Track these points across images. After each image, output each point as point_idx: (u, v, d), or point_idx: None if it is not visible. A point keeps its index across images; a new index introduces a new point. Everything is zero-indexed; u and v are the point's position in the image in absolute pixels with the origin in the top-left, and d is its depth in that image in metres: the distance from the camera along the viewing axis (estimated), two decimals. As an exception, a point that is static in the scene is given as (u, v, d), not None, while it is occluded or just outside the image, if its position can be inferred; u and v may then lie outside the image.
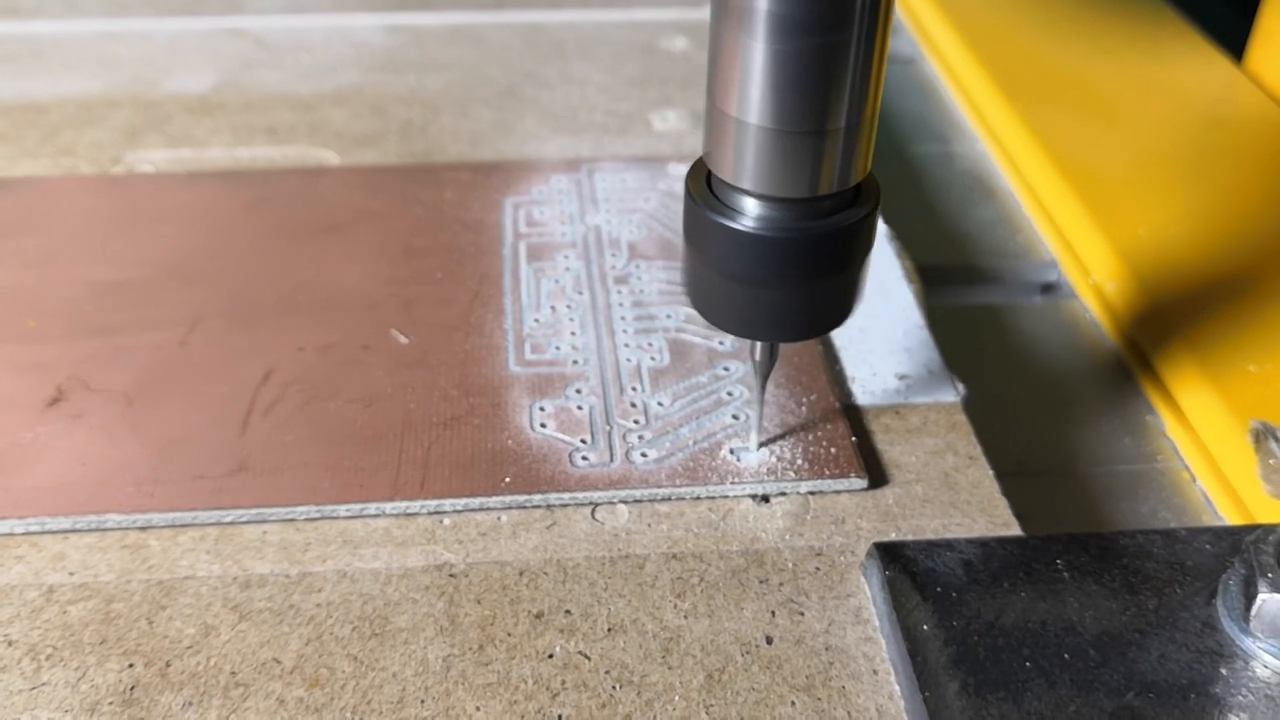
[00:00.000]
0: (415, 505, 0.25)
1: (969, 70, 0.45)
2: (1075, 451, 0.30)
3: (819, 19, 0.19)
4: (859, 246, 0.22)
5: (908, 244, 0.34)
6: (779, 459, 0.26)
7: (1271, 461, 0.27)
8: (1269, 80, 0.43)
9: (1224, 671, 0.21)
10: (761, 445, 0.26)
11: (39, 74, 0.42)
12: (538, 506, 0.25)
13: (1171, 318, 0.31)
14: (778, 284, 0.22)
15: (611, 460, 0.26)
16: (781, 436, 0.26)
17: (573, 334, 0.29)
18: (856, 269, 0.23)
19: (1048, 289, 0.36)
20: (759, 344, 0.24)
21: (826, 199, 0.21)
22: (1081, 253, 0.35)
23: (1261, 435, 0.27)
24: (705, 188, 0.22)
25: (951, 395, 0.28)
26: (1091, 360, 0.33)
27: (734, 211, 0.22)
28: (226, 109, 0.40)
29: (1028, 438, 0.30)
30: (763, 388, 0.25)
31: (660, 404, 0.27)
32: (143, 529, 0.24)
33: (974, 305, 0.35)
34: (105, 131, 0.39)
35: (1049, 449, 0.30)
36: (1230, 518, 0.28)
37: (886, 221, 0.34)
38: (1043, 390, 0.32)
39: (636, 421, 0.27)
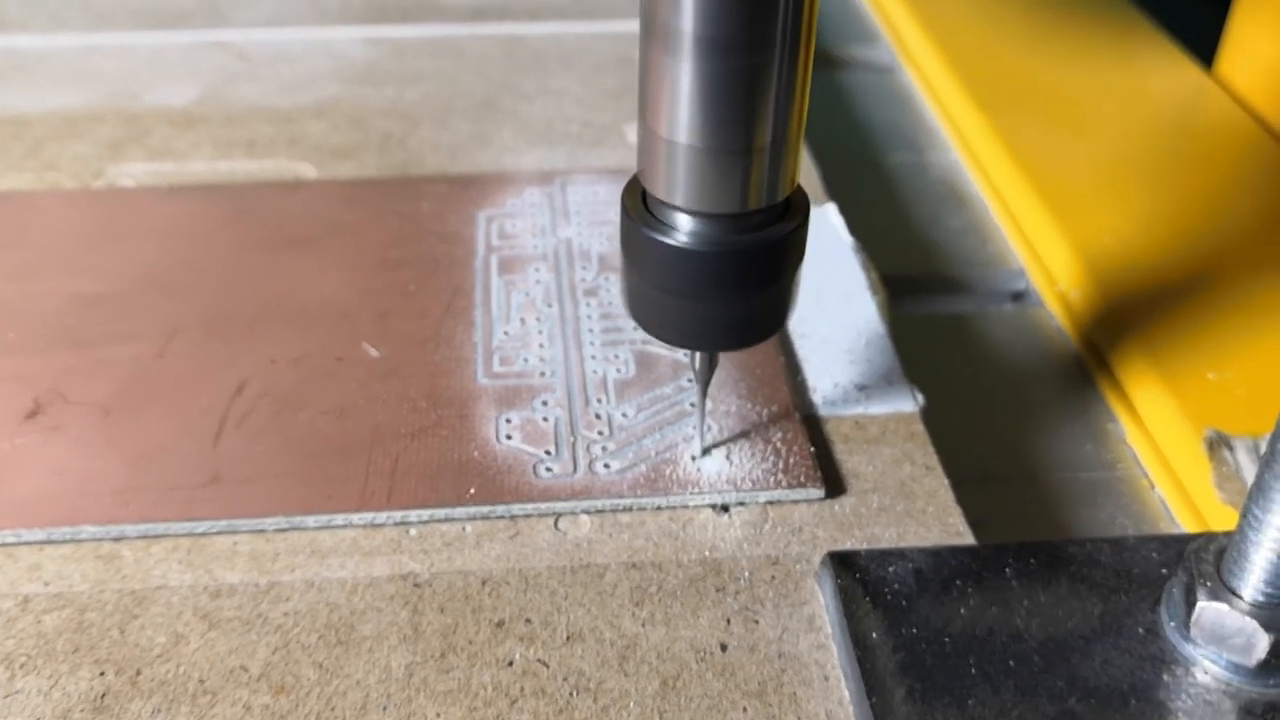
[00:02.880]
0: (382, 516, 0.25)
1: (943, 79, 0.46)
2: (1037, 458, 0.30)
3: (741, 40, 0.20)
4: (790, 258, 0.23)
5: (879, 253, 0.35)
6: (739, 469, 0.26)
7: (1225, 469, 0.27)
8: (1238, 86, 0.44)
9: (1165, 677, 0.22)
10: (706, 452, 0.26)
11: (22, 88, 0.43)
12: (501, 517, 0.25)
13: (1133, 325, 0.32)
14: (711, 296, 0.23)
15: (575, 471, 0.26)
16: (742, 447, 0.27)
17: (541, 346, 0.30)
18: (788, 280, 0.23)
19: (1017, 297, 0.37)
20: (698, 354, 0.25)
21: (756, 214, 0.22)
22: (1047, 260, 0.36)
23: (1215, 444, 0.28)
24: (640, 204, 0.23)
25: (910, 405, 0.29)
26: (1056, 368, 0.33)
27: (667, 227, 0.22)
28: (208, 122, 0.41)
29: (990, 445, 0.30)
30: (704, 395, 0.26)
31: (625, 415, 0.28)
32: (116, 540, 0.25)
33: (944, 314, 0.36)
34: (88, 145, 0.39)
35: (1011, 456, 0.30)
36: (1187, 525, 0.28)
37: (857, 231, 0.35)
38: (1008, 398, 0.32)
39: (601, 433, 0.27)
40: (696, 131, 0.21)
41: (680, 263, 0.22)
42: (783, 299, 0.24)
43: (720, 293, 0.23)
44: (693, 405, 0.28)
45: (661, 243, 0.22)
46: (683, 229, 0.22)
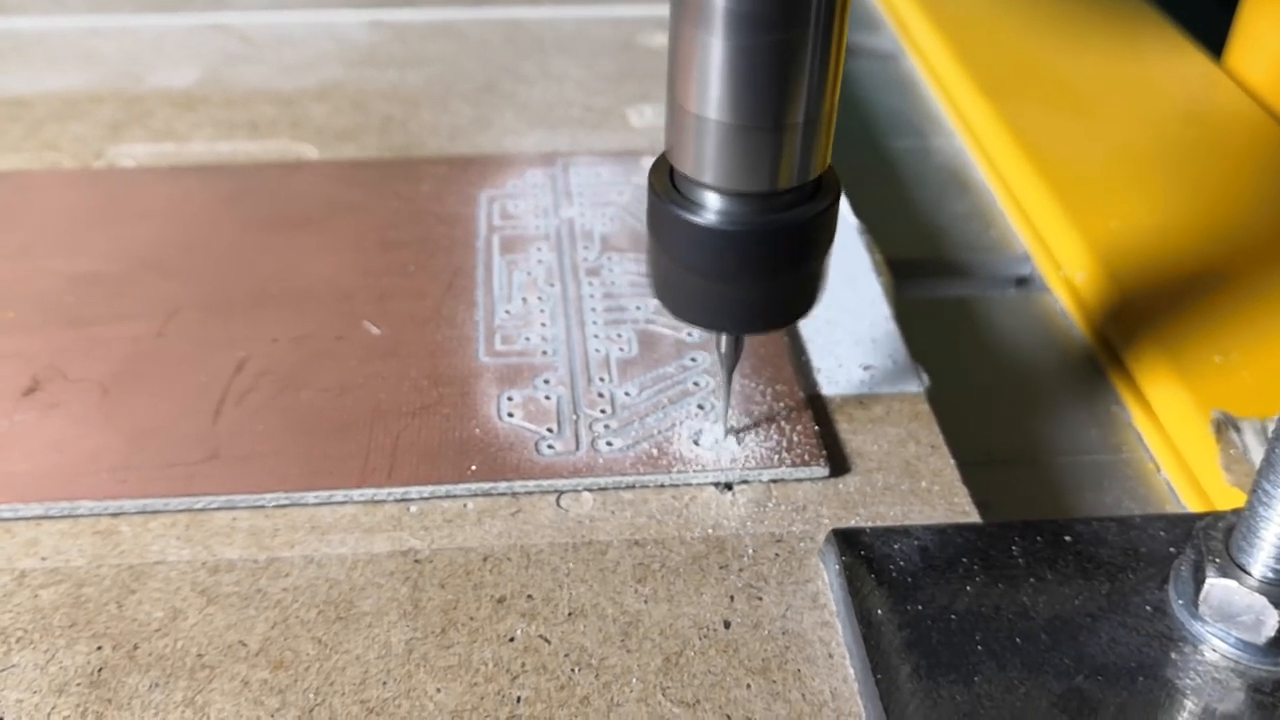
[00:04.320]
0: (382, 493, 0.25)
1: (948, 66, 0.45)
2: (1042, 442, 0.30)
3: (776, 15, 0.20)
4: (820, 239, 0.23)
5: (883, 238, 0.35)
6: (743, 447, 0.26)
7: (1233, 451, 0.27)
8: (1248, 78, 0.43)
9: (1173, 655, 0.21)
10: (729, 434, 0.26)
11: (23, 69, 0.43)
12: (503, 494, 0.25)
13: (1140, 310, 0.32)
14: (739, 277, 0.22)
15: (577, 449, 0.26)
16: (746, 425, 0.27)
17: (543, 325, 0.30)
18: (818, 261, 0.23)
19: (1021, 282, 0.37)
20: (724, 336, 0.25)
21: (787, 193, 0.22)
22: (1053, 245, 0.36)
23: (1223, 426, 0.28)
24: (668, 182, 0.23)
25: (916, 386, 0.28)
26: (1061, 352, 0.33)
27: (696, 206, 0.22)
28: (209, 104, 0.40)
29: (995, 428, 0.30)
30: (729, 379, 0.26)
31: (627, 394, 0.28)
32: (115, 515, 0.25)
33: (948, 298, 0.35)
34: (88, 126, 0.39)
35: (1016, 439, 0.30)
36: (1193, 507, 0.28)
37: (862, 215, 0.35)
38: (1013, 381, 0.32)
39: (603, 411, 0.27)
40: (727, 108, 0.20)
41: (709, 242, 0.22)
42: (812, 281, 0.23)
43: (749, 273, 0.22)
44: (696, 384, 0.28)
45: (690, 222, 0.22)
46: (712, 208, 0.22)
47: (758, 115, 0.21)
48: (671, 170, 0.22)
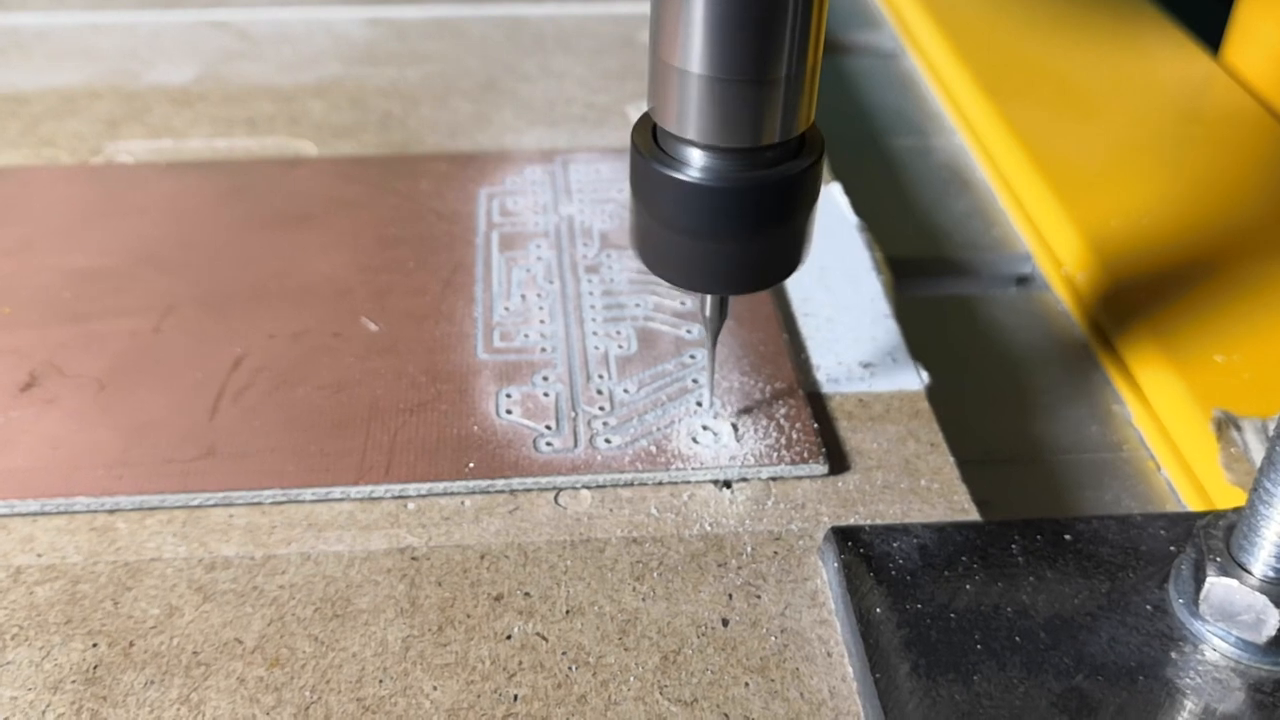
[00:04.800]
0: (380, 489, 0.25)
1: (948, 64, 0.45)
2: (1042, 440, 0.30)
3: None
4: (804, 196, 0.23)
5: (885, 237, 0.35)
6: (741, 445, 0.26)
7: (1233, 450, 0.27)
8: (1245, 73, 0.43)
9: (1173, 654, 0.21)
10: (713, 409, 0.26)
11: (22, 65, 0.43)
12: (501, 491, 0.25)
13: (1140, 308, 0.31)
14: (723, 234, 0.22)
15: (575, 446, 0.26)
16: (745, 423, 0.27)
17: (542, 322, 0.30)
18: (802, 219, 0.23)
19: (1022, 281, 0.37)
20: (709, 298, 0.24)
21: (770, 149, 0.22)
22: (1053, 243, 0.36)
23: (1224, 424, 0.27)
24: (651, 140, 0.22)
25: (915, 383, 0.28)
26: (1061, 350, 0.33)
27: (679, 162, 0.22)
28: (207, 100, 0.40)
29: (995, 427, 0.30)
30: (713, 344, 0.25)
31: (626, 391, 0.27)
32: (111, 512, 0.25)
33: (949, 296, 0.35)
34: (86, 122, 0.39)
35: (1016, 437, 0.30)
36: (1193, 506, 0.28)
37: (863, 214, 0.34)
38: (1013, 379, 0.32)
39: (602, 408, 0.27)
40: (710, 61, 0.20)
41: (691, 199, 0.22)
42: (796, 239, 0.23)
43: (732, 230, 0.22)
44: (695, 382, 0.28)
45: (672, 178, 0.22)
46: (694, 164, 0.22)
47: (741, 68, 0.20)
48: (654, 128, 0.22)
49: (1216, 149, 0.39)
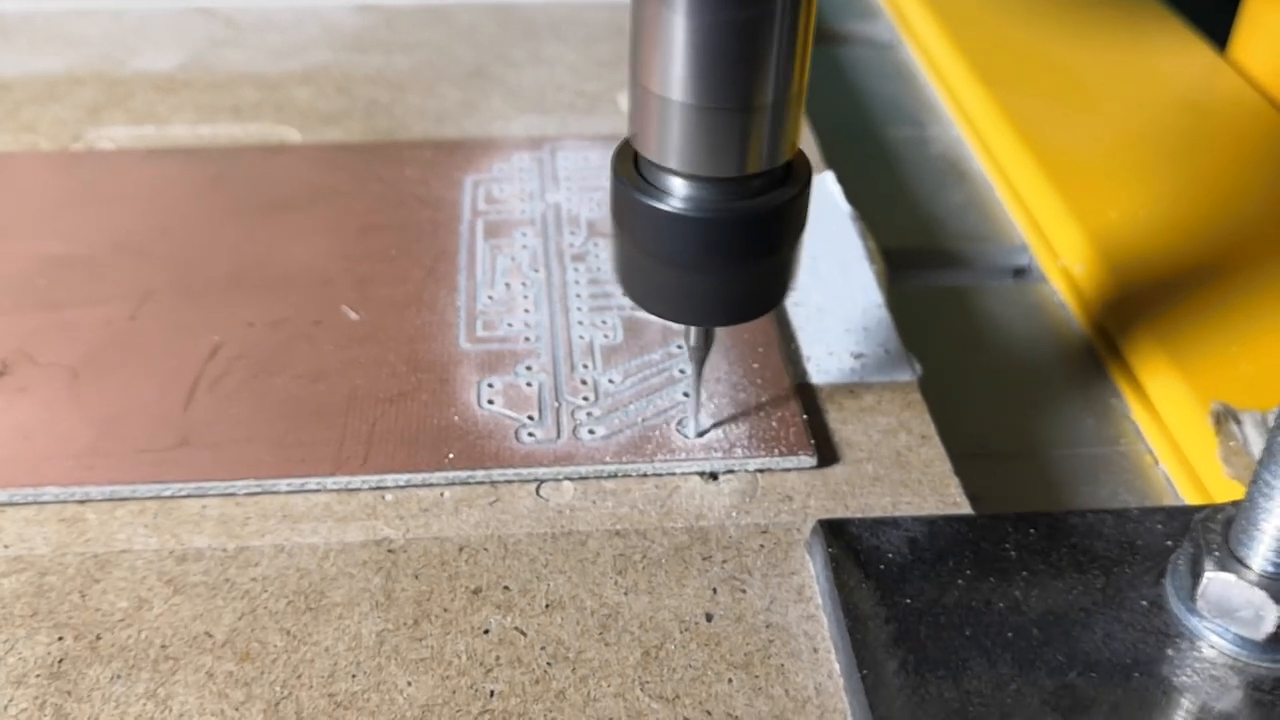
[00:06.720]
0: (357, 480, 0.24)
1: (946, 55, 0.45)
2: (1038, 434, 0.29)
3: None
4: (790, 226, 0.22)
5: (880, 227, 0.34)
6: (728, 436, 0.25)
7: (1232, 444, 0.27)
8: (1252, 69, 0.43)
9: (1169, 651, 0.21)
10: (701, 434, 0.25)
11: (4, 51, 0.42)
12: (481, 483, 0.24)
13: (1139, 301, 0.31)
14: (707, 266, 0.21)
15: (558, 437, 0.25)
16: (732, 414, 0.26)
17: (526, 311, 0.29)
18: (789, 250, 0.22)
19: (1019, 273, 0.36)
20: (693, 329, 0.24)
21: (755, 178, 0.21)
22: (1052, 236, 0.35)
23: (1222, 417, 0.27)
24: (632, 169, 0.22)
25: (907, 375, 0.28)
26: (1058, 343, 0.32)
27: (660, 192, 0.21)
28: (192, 87, 0.40)
29: (990, 420, 0.30)
30: (699, 374, 0.25)
31: (611, 381, 0.27)
32: (81, 502, 0.24)
33: (945, 288, 0.35)
34: (68, 108, 0.38)
35: (1012, 431, 0.29)
36: (1191, 500, 0.27)
37: (858, 205, 0.34)
38: (1009, 372, 0.31)
39: (586, 399, 0.26)
40: (692, 89, 0.20)
41: (674, 229, 0.21)
42: (783, 271, 0.22)
43: (716, 262, 0.21)
44: (681, 372, 0.27)
45: (654, 208, 0.21)
46: (677, 194, 0.21)
47: (723, 96, 0.20)
48: (636, 156, 0.22)
49: (1218, 142, 0.39)
